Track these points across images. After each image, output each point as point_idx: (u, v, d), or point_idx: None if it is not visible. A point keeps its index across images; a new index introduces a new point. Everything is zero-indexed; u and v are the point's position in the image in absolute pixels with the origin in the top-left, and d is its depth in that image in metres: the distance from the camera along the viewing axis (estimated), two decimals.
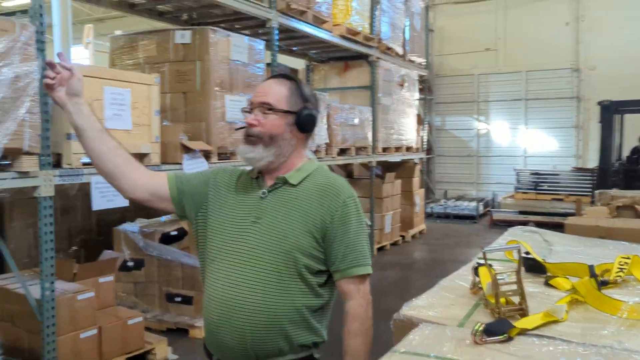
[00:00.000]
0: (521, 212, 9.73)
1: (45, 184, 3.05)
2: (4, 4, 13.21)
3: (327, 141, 6.13)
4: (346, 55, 7.61)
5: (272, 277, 1.54)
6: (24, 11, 3.10)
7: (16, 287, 3.38)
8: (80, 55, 12.20)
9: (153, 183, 1.71)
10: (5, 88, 2.68)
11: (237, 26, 5.97)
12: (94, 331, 3.49)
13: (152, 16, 5.50)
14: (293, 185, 1.63)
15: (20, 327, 3.40)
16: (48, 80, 1.56)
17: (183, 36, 4.52)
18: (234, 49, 4.64)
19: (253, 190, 1.65)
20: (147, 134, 3.77)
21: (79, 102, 1.62)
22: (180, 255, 4.50)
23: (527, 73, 11.37)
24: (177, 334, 4.37)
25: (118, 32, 5.85)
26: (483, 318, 1.50)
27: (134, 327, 3.74)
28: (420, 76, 9.29)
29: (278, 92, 1.62)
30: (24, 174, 2.92)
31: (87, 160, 3.63)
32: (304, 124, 1.64)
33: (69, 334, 3.35)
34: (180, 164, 4.02)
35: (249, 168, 1.72)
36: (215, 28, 4.48)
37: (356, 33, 6.67)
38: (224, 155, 4.63)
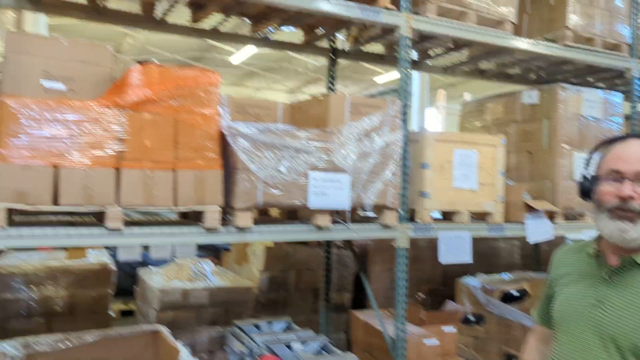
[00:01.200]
0: None
1: (402, 235, 3.51)
2: (376, 79, 15.70)
3: None
4: None
5: None
6: (394, 90, 3.72)
7: (375, 323, 3.93)
8: (434, 118, 13.44)
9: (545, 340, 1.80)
10: (376, 154, 3.26)
11: (589, 79, 5.66)
12: None
13: (500, 79, 5.73)
14: None
15: (377, 358, 3.92)
16: None
17: (531, 96, 4.58)
18: (585, 104, 4.44)
19: (593, 268, 1.56)
20: (491, 193, 3.93)
21: None
22: (521, 316, 4.42)
23: None
24: None
25: (466, 94, 6.30)
26: None
27: None
28: None
29: None
30: (386, 227, 3.44)
31: (436, 215, 4.02)
32: None
33: None
34: (523, 223, 4.02)
35: (586, 241, 1.67)
36: (564, 85, 4.39)
37: None
38: (571, 216, 4.39)
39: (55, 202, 2.44)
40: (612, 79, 5.48)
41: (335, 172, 3.06)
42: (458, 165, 3.82)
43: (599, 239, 1.60)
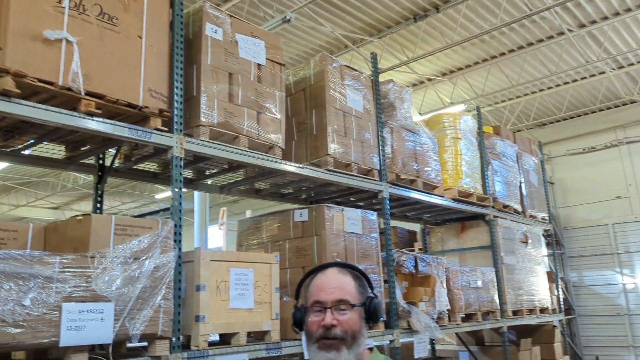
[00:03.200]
0: None
1: None
2: (157, 196, 15.30)
3: (449, 307, 5.88)
4: (462, 217, 7.60)
5: None
6: (165, 209, 3.60)
7: None
8: (215, 234, 13.42)
9: None
10: (146, 279, 3.03)
11: (352, 199, 6.34)
12: None
13: (276, 198, 6.05)
14: None
15: None
16: None
17: (301, 214, 4.88)
18: (348, 222, 4.89)
19: None
20: (267, 311, 3.93)
21: None
22: None
23: None
24: None
25: (248, 212, 6.46)
26: None
27: None
28: (545, 231, 8.88)
29: (348, 285, 1.52)
30: (156, 359, 3.13)
31: (213, 339, 3.83)
32: (374, 313, 1.53)
33: None
34: (299, 339, 4.06)
35: None
36: (330, 205, 4.80)
37: (469, 195, 6.72)
38: None
39: None
40: (369, 198, 6.23)
41: (96, 302, 2.73)
42: (234, 284, 3.76)
43: None
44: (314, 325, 1.50)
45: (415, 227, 8.49)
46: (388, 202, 5.43)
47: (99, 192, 4.19)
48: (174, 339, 3.25)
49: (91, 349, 2.82)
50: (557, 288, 8.91)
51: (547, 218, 8.99)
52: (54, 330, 2.53)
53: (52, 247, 2.84)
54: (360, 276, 1.58)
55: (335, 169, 4.82)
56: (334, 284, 1.53)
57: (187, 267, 3.59)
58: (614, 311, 10.84)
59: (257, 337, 4.03)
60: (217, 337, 3.91)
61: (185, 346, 3.45)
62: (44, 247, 2.92)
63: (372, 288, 1.59)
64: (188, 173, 4.97)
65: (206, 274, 3.57)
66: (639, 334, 10.53)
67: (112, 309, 2.79)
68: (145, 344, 3.21)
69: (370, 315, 1.53)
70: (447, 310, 5.87)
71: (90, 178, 13.63)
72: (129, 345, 3.90)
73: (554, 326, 8.16)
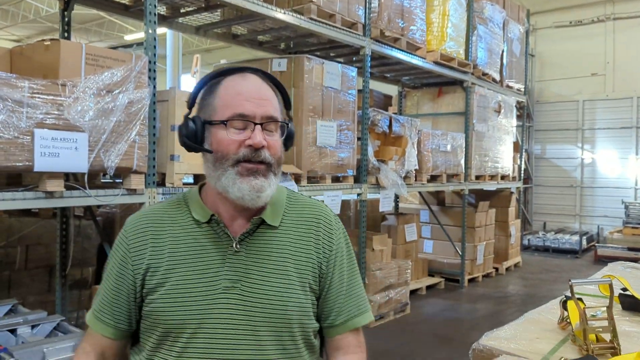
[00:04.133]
0: (630, 249, 8.98)
1: (150, 200, 3.30)
2: (126, 37, 14.58)
3: (417, 167, 6.07)
4: (440, 82, 7.55)
5: (278, 356, 1.15)
6: (140, 43, 3.42)
7: None
8: (188, 83, 13.12)
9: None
10: (120, 113, 2.96)
11: (332, 54, 6.16)
12: None
13: (253, 46, 5.82)
14: (273, 227, 1.22)
15: None
16: None
17: (280, 64, 4.74)
18: (327, 76, 4.79)
19: (210, 242, 1.18)
20: None
21: None
22: None
23: (639, 99, 10.61)
24: None
25: (223, 61, 6.24)
26: (570, 354, 1.43)
27: None
28: (519, 102, 8.98)
29: (275, 100, 1.20)
30: (132, 191, 3.18)
31: (187, 180, 3.90)
32: (290, 139, 1.26)
33: None
34: None
35: (169, 204, 1.25)
36: (310, 56, 4.65)
37: (451, 59, 6.61)
38: (313, 180, 4.74)
39: None
40: (350, 54, 6.06)
41: (70, 131, 2.68)
42: None
43: (195, 200, 1.24)
44: (233, 145, 1.13)
45: (392, 90, 8.43)
46: (369, 59, 5.29)
47: (66, 20, 3.91)
48: (149, 175, 3.28)
49: (66, 178, 2.83)
50: (520, 158, 9.25)
51: (523, 90, 9.03)
52: (28, 154, 2.50)
53: (19, 72, 2.69)
54: (277, 91, 1.24)
55: (319, 18, 4.59)
56: (263, 95, 1.17)
57: (162, 106, 3.52)
58: (568, 183, 11.45)
59: None
60: (191, 180, 3.98)
61: (160, 184, 3.50)
62: (10, 71, 2.78)
63: (289, 109, 1.28)
64: (162, 9, 4.66)
65: (180, 114, 3.51)
66: (586, 205, 11.28)
67: (86, 140, 2.75)
68: (119, 180, 3.24)
69: (287, 140, 1.23)
70: (415, 170, 6.06)
71: (54, 10, 12.78)
72: (102, 180, 3.96)
73: (512, 192, 8.61)
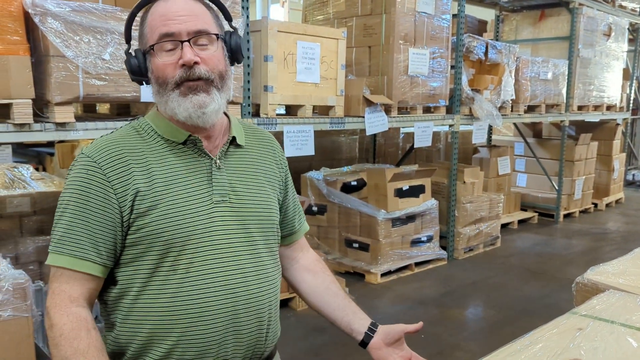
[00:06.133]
0: None
1: None
2: None
3: (514, 97, 5.76)
4: (543, 3, 6.96)
5: (268, 258, 1.27)
6: None
7: None
8: (277, 13, 13.05)
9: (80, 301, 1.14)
10: None
11: None
12: None
13: None
14: (239, 146, 1.28)
15: None
16: None
17: None
18: (420, 0, 4.57)
19: (193, 161, 1.20)
20: (333, 87, 3.96)
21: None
22: (359, 204, 4.72)
23: None
24: (354, 277, 4.65)
25: None
26: None
27: None
28: (632, 24, 8.11)
29: (204, 14, 1.17)
30: None
31: (281, 111, 3.97)
32: (237, 50, 1.23)
33: None
34: (362, 117, 4.16)
35: (134, 127, 1.22)
36: None
37: None
38: (404, 110, 4.65)
39: None
40: None
41: None
42: (301, 58, 3.73)
43: (163, 123, 1.21)
44: (168, 68, 1.13)
45: (487, 15, 7.88)
46: None
47: None
48: (244, 106, 3.37)
49: None
50: (630, 86, 8.48)
51: (638, 10, 8.12)
52: (135, 85, 2.64)
53: (123, 6, 2.80)
54: (212, 6, 1.21)
55: None
56: (188, 11, 1.14)
57: (255, 36, 3.54)
58: None
59: (321, 112, 4.14)
60: (282, 111, 4.04)
61: (255, 114, 3.59)
62: (115, 4, 2.89)
63: (230, 20, 1.25)
64: None
65: (273, 44, 3.53)
66: None
67: None
68: None
69: (233, 52, 1.22)
70: (511, 100, 5.76)
71: None
72: None
73: (618, 124, 7.98)
